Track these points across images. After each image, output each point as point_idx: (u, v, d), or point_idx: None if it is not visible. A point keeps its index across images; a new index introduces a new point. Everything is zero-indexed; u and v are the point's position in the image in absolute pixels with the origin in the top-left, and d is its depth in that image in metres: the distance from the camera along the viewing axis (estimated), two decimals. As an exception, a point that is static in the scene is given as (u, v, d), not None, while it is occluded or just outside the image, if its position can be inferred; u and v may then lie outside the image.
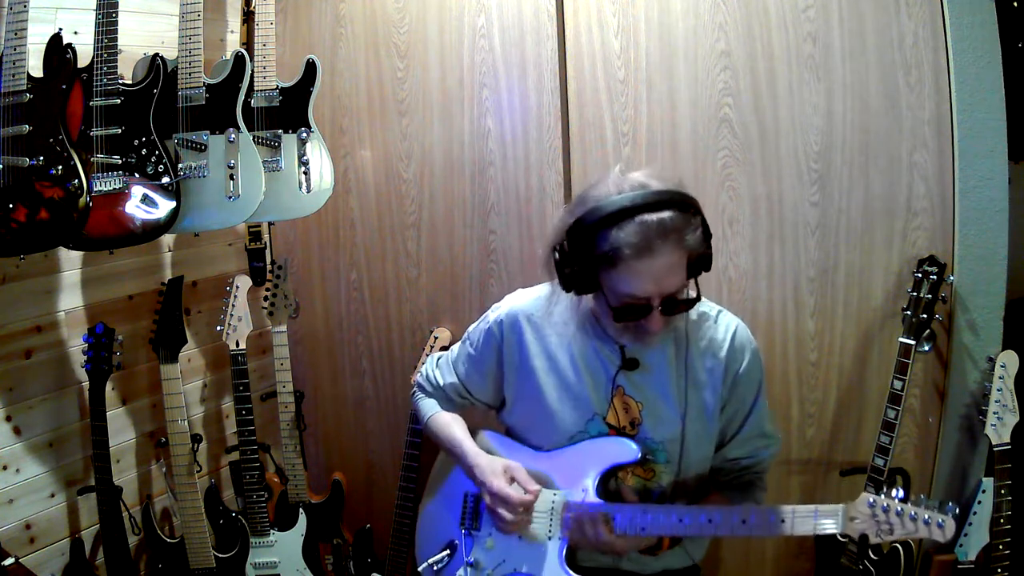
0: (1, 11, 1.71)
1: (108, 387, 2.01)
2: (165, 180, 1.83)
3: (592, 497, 1.49)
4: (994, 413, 1.75)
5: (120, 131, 1.79)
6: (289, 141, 2.02)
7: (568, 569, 1.50)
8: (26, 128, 1.67)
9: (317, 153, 2.04)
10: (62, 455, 2.04)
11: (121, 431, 2.18)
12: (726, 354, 1.48)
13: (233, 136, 1.90)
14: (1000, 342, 1.82)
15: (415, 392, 1.78)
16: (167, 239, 2.28)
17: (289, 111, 2.01)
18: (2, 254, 1.70)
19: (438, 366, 1.75)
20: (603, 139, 2.11)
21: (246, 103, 1.94)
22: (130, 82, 1.84)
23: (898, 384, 1.76)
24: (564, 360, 1.53)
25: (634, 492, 1.51)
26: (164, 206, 1.84)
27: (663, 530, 1.44)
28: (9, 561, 1.82)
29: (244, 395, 2.19)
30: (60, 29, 1.76)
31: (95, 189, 1.75)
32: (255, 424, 2.22)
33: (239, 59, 1.91)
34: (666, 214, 1.29)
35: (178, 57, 1.87)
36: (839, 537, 1.68)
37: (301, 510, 2.36)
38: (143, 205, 1.82)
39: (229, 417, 2.46)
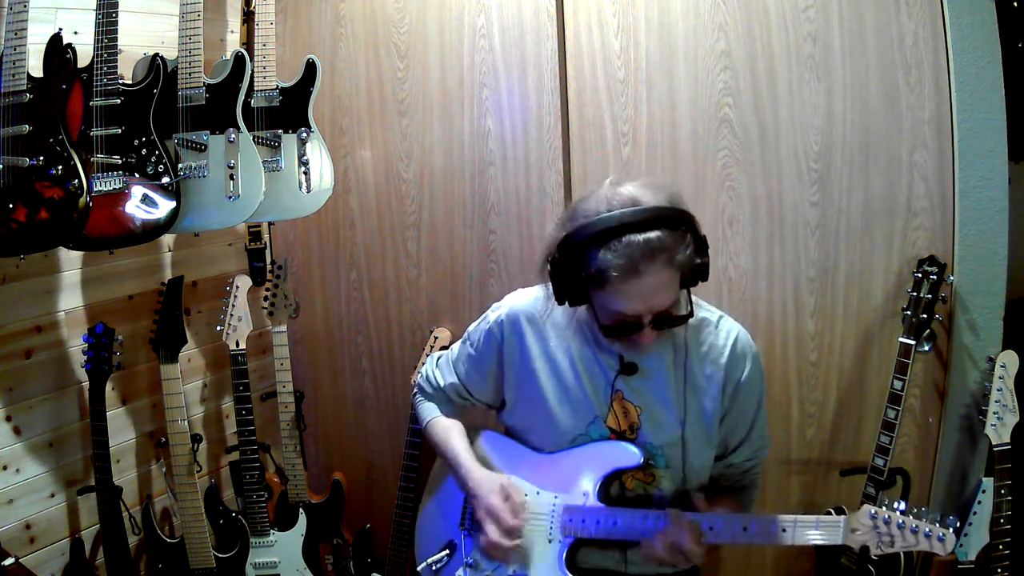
0: (1, 11, 1.71)
1: (108, 387, 2.01)
2: (165, 180, 1.83)
3: (593, 501, 1.49)
4: (994, 413, 1.74)
5: (120, 131, 1.79)
6: (289, 141, 2.02)
7: (568, 571, 1.49)
8: (26, 128, 1.67)
9: (317, 153, 2.04)
10: (62, 455, 2.04)
11: (121, 431, 2.18)
12: (727, 361, 1.48)
13: (233, 136, 1.90)
14: (1000, 342, 1.82)
15: (415, 394, 1.78)
16: (167, 239, 2.28)
17: (289, 111, 2.01)
18: (2, 254, 1.70)
19: (438, 366, 1.74)
20: (603, 139, 2.11)
21: (246, 103, 1.95)
22: (130, 82, 1.84)
23: (898, 384, 1.76)
24: (564, 363, 1.52)
25: (634, 497, 1.51)
26: (164, 206, 1.84)
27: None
28: (9, 561, 1.82)
29: (244, 395, 2.19)
30: (60, 29, 1.76)
31: (95, 189, 1.76)
32: (255, 424, 2.22)
33: (239, 59, 1.91)
34: (653, 234, 1.27)
35: (178, 57, 1.87)
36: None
37: (301, 510, 2.36)
38: (143, 205, 1.82)
39: (229, 417, 2.46)
